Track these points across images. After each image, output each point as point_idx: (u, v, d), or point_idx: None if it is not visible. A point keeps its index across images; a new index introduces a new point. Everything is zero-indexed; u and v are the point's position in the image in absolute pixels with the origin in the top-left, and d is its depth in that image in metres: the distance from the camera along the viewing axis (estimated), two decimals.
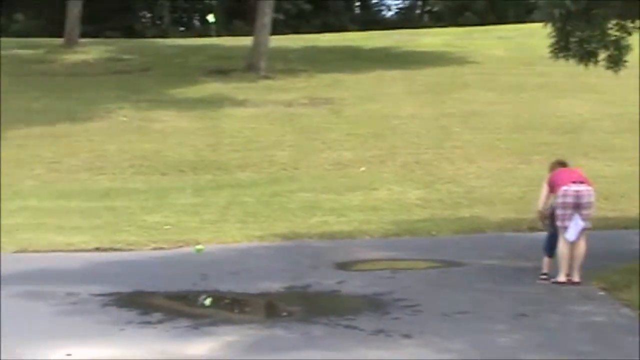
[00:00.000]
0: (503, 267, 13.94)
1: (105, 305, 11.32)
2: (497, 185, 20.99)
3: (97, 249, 16.00)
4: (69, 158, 23.41)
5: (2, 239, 16.49)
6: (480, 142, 24.26)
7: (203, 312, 11.46)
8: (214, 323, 10.36)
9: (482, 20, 50.55)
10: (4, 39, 43.49)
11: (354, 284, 12.71)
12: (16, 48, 39.15)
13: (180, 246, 16.11)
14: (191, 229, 17.52)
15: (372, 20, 57.34)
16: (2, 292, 12.08)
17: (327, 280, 12.93)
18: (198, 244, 15.68)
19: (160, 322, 10.37)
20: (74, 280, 13.01)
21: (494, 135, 24.81)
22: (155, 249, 16.08)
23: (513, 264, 14.05)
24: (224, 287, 12.64)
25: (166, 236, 16.94)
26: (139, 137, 25.05)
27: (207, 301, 12.14)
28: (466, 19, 53.02)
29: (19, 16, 58.86)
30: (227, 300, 12.10)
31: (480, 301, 11.50)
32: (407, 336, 9.63)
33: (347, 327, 10.04)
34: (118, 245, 16.23)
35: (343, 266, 14.20)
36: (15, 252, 15.85)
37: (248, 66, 32.89)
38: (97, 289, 12.23)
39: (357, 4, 63.51)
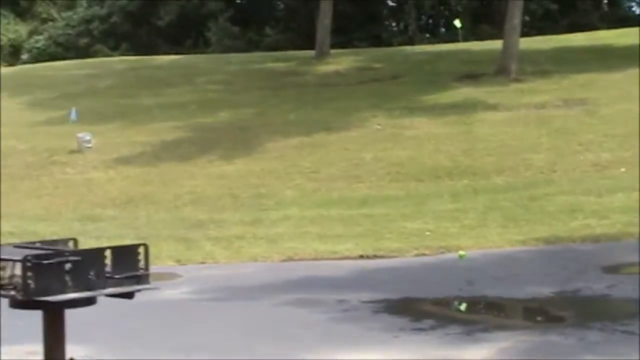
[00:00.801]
0: None
1: (376, 312, 11.47)
2: None
3: (361, 257, 16.24)
4: (327, 167, 23.85)
5: (270, 248, 17.05)
6: None
7: (474, 318, 11.44)
8: (486, 329, 10.32)
9: None
10: (257, 54, 45.02)
11: (624, 288, 12.38)
12: (269, 62, 40.41)
13: (442, 252, 16.14)
14: (452, 235, 17.50)
15: (622, 17, 55.72)
16: (273, 300, 12.44)
17: (596, 285, 12.65)
18: (460, 249, 15.70)
19: (432, 328, 10.42)
20: (342, 288, 13.24)
21: None
22: (417, 255, 16.17)
23: None
24: (492, 292, 12.58)
25: (427, 242, 16.99)
26: (393, 144, 25.26)
27: (462, 306, 12.12)
28: None
29: (269, 30, 60.52)
30: (496, 306, 12.04)
31: None
32: None
33: (624, 332, 9.80)
34: (381, 253, 16.41)
35: (611, 270, 13.86)
36: (282, 260, 16.31)
37: (498, 69, 32.67)
38: (366, 296, 12.41)
39: (606, 1, 61.87)
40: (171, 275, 14.57)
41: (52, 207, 21.91)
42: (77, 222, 20.23)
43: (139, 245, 6.63)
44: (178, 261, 16.22)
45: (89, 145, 26.46)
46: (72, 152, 26.45)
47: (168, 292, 12.84)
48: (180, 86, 35.38)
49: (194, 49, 57.16)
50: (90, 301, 6.59)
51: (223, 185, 22.93)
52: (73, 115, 28.83)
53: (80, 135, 26.68)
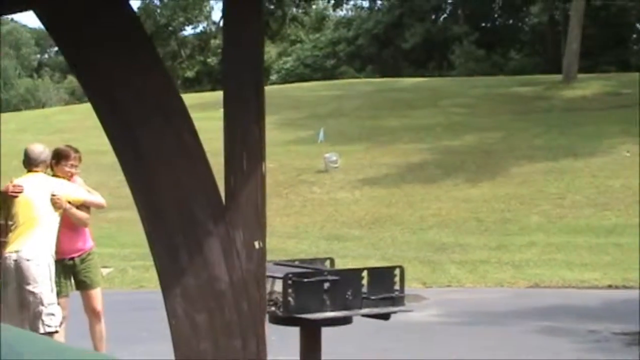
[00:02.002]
0: None
1: (628, 344, 11.17)
2: None
3: (610, 286, 15.86)
4: (573, 194, 23.43)
5: (515, 274, 16.91)
6: None
7: None
8: None
9: None
10: (502, 77, 44.78)
11: None
12: (515, 85, 40.07)
13: None
14: None
15: None
16: (521, 326, 12.32)
17: None
18: None
19: None
20: (591, 317, 12.95)
21: None
22: None
23: None
24: None
25: None
26: None
27: None
28: None
29: (514, 54, 60.08)
30: None
31: None
32: None
33: None
34: (630, 283, 15.95)
35: None
36: (528, 287, 16.13)
37: None
38: (616, 327, 12.10)
39: None
40: (417, 297, 14.62)
41: (299, 225, 22.45)
42: (323, 240, 20.65)
43: (395, 267, 6.75)
44: (424, 283, 16.29)
45: (336, 165, 26.96)
46: (319, 171, 27.03)
47: (415, 314, 12.91)
48: (425, 108, 35.57)
49: (437, 71, 57.42)
50: (346, 320, 6.77)
51: (468, 208, 22.89)
52: (321, 136, 29.45)
53: (327, 155, 27.23)
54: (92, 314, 9.15)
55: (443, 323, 12.89)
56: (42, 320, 8.17)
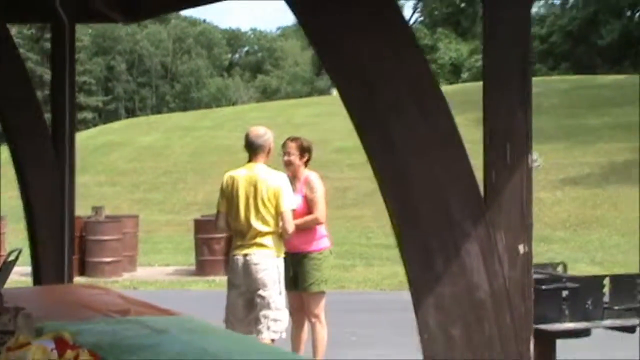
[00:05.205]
0: None
1: None
2: None
3: None
4: None
5: None
6: None
7: None
8: None
9: None
10: None
11: None
12: None
13: None
14: None
15: None
16: None
17: None
18: None
19: None
20: None
21: None
22: None
23: None
24: None
25: None
26: None
27: None
28: None
29: None
30: None
31: None
32: None
33: None
34: None
35: None
36: None
37: None
38: None
39: None
40: None
41: None
42: None
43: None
44: None
45: (537, 164, 26.14)
46: None
47: None
48: (626, 106, 34.20)
49: (632, 68, 55.64)
50: (586, 333, 6.13)
51: None
52: None
53: None
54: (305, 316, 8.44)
55: None
56: (268, 326, 7.59)
